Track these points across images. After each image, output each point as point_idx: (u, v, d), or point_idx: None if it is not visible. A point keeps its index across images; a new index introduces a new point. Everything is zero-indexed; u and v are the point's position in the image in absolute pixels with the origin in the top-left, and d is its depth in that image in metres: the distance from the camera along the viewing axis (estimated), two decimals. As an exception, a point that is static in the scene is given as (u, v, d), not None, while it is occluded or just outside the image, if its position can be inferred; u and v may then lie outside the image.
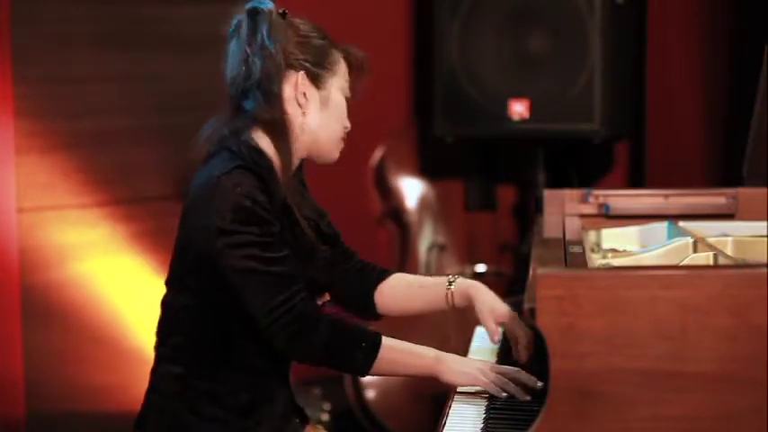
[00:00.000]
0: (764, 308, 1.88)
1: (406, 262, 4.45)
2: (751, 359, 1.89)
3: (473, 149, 4.55)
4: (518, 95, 4.03)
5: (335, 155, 2.51)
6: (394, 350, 2.36)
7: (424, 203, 4.52)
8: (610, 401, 1.91)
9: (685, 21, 4.18)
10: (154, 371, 2.49)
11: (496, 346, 2.77)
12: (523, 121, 4.02)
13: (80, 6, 3.81)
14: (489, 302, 2.51)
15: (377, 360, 2.33)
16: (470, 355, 2.71)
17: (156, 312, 2.51)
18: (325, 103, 2.46)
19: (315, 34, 2.47)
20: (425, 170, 4.54)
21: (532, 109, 4.01)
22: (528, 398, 2.29)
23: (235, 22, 2.45)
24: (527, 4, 4.05)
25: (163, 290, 2.50)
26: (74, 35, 3.80)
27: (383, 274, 2.64)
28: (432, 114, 4.18)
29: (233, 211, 2.30)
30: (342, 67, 2.49)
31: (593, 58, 3.95)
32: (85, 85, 3.83)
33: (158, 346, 2.49)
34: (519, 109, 4.02)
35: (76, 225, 3.81)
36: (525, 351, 2.43)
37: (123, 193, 3.90)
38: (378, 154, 4.48)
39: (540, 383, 2.30)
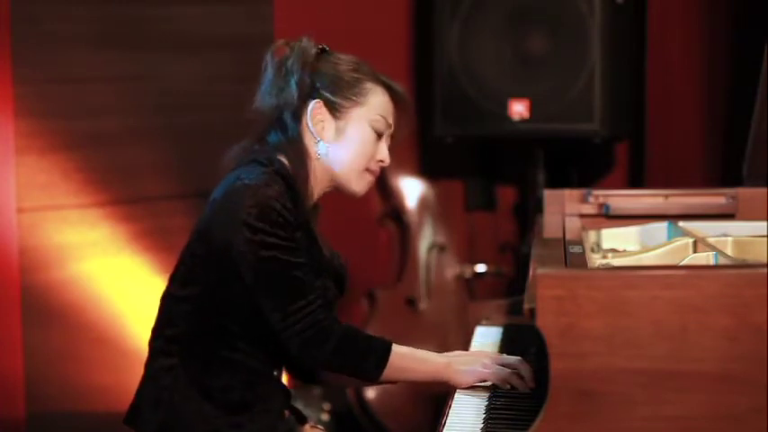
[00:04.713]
0: (764, 308, 1.88)
1: (406, 262, 4.45)
2: (751, 359, 1.89)
3: (473, 149, 4.55)
4: (518, 95, 4.02)
5: (356, 187, 2.50)
6: (404, 357, 2.37)
7: (424, 203, 4.52)
8: (610, 401, 1.91)
9: (685, 21, 4.18)
10: (147, 365, 2.49)
11: (497, 344, 2.77)
12: (523, 121, 4.02)
13: (80, 6, 3.81)
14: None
15: (387, 368, 2.34)
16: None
17: (155, 312, 2.51)
18: (341, 133, 2.47)
19: (345, 66, 2.48)
20: (425, 170, 4.54)
21: (532, 109, 4.01)
22: (530, 388, 2.30)
23: (268, 54, 2.47)
24: (527, 5, 4.05)
25: (162, 289, 2.51)
26: (74, 35, 3.79)
27: None
28: (432, 114, 4.18)
29: (261, 211, 2.32)
30: (375, 100, 2.48)
31: (593, 58, 3.94)
32: (85, 85, 3.83)
33: (153, 341, 2.49)
34: (519, 109, 4.02)
35: (76, 225, 3.80)
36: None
37: (123, 193, 3.89)
38: (378, 154, 4.47)
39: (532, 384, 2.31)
